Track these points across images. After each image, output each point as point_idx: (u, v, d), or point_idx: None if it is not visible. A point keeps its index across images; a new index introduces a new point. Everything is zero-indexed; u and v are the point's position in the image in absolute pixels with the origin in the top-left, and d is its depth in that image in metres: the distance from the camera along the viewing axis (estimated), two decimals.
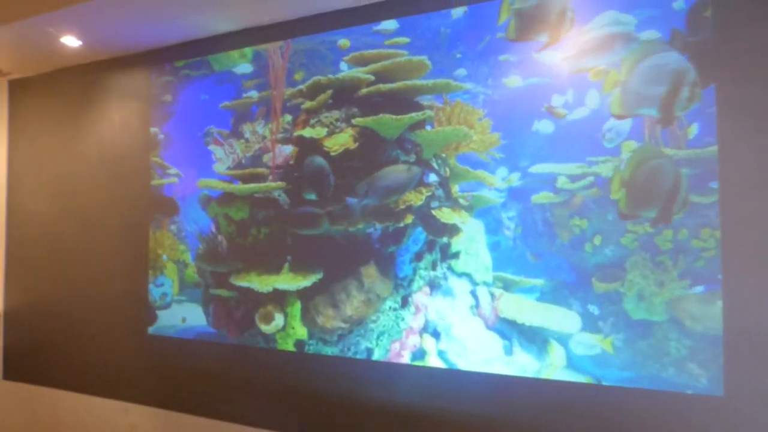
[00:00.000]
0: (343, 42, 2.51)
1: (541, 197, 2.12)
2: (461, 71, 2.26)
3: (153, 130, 3.05)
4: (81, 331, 3.26)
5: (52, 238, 3.41)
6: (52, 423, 3.38)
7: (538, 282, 2.13)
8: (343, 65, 2.52)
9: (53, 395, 3.38)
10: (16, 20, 2.64)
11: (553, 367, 2.09)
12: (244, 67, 2.78)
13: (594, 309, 2.02)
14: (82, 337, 3.26)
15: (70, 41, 2.93)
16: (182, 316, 2.93)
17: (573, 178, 2.06)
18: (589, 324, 2.03)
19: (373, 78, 2.43)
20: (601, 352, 2.00)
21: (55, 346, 3.36)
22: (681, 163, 1.90)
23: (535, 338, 2.13)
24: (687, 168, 1.89)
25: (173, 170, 2.98)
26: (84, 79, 3.30)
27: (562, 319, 2.08)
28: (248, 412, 2.72)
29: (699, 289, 1.88)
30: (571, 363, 2.05)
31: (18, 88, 3.59)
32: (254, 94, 2.74)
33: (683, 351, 1.89)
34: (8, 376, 3.57)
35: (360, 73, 2.46)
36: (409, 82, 2.35)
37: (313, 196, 2.55)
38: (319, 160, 2.52)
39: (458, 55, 2.28)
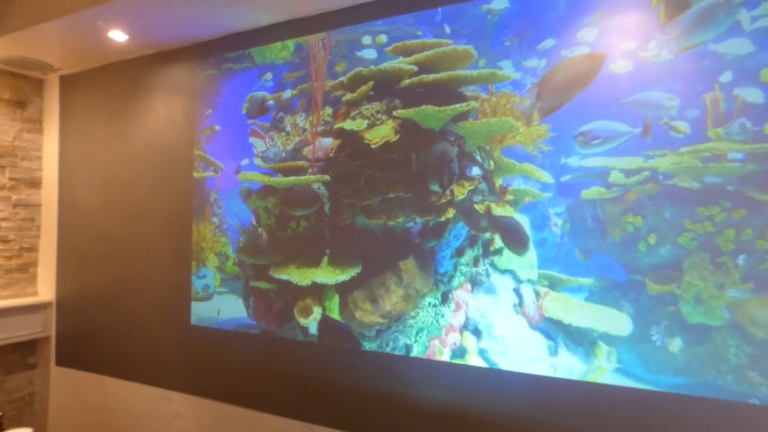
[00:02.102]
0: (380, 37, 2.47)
1: (592, 192, 2.03)
2: (508, 62, 2.19)
3: (197, 121, 3.09)
4: (128, 320, 3.35)
5: (101, 230, 3.50)
6: (100, 408, 3.49)
7: (587, 281, 2.04)
8: (384, 56, 2.47)
9: (101, 381, 3.48)
10: (67, 14, 2.71)
11: (600, 371, 2.00)
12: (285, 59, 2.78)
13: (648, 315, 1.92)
14: (129, 326, 3.35)
15: (118, 36, 3.00)
16: (218, 308, 2.97)
17: (627, 173, 1.95)
18: (641, 327, 1.93)
19: (415, 69, 2.38)
20: (654, 356, 1.90)
21: (104, 334, 3.47)
22: (746, 158, 1.77)
23: (582, 340, 2.04)
24: (752, 164, 1.77)
25: (216, 163, 3.02)
26: (131, 73, 3.37)
27: (611, 320, 1.98)
28: (285, 405, 2.74)
29: (763, 293, 1.75)
30: (621, 366, 1.96)
31: (69, 84, 3.70)
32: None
33: (743, 358, 1.77)
34: (60, 362, 3.70)
35: (402, 63, 2.41)
36: (453, 73, 2.28)
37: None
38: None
39: (508, 43, 2.20)
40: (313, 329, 2.64)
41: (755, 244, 1.76)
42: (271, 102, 2.82)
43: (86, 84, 3.60)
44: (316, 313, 2.63)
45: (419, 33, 2.38)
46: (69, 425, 3.64)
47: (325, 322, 2.59)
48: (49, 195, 3.78)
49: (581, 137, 2.02)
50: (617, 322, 1.97)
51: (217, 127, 2.99)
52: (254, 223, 2.88)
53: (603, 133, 1.98)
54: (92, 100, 3.56)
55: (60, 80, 3.74)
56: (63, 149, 3.71)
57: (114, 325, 3.42)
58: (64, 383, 3.68)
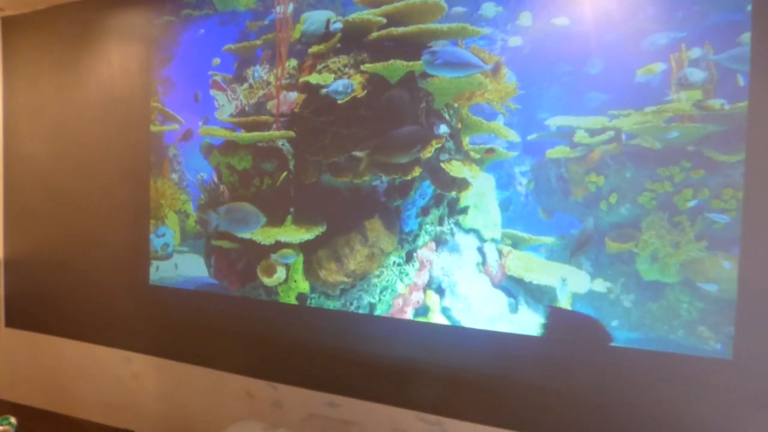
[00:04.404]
0: None
1: (557, 152, 2.03)
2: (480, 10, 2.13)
3: (154, 71, 2.92)
4: (83, 279, 3.24)
5: (51, 185, 3.33)
6: (55, 370, 3.39)
7: (549, 240, 2.07)
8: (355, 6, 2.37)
9: (56, 343, 3.38)
10: None
11: None
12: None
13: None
14: (84, 285, 3.23)
15: None
16: (176, 263, 2.91)
17: (592, 132, 1.96)
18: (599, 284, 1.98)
19: (384, 21, 2.30)
20: (610, 312, 1.96)
21: (58, 293, 3.34)
22: (707, 119, 1.80)
23: (542, 297, 2.08)
24: (713, 125, 1.80)
25: (174, 116, 2.88)
26: (81, 17, 3.15)
27: (571, 278, 2.02)
28: (249, 364, 2.72)
29: (715, 251, 1.81)
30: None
31: (11, 26, 3.44)
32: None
33: (694, 313, 1.84)
34: (10, 323, 3.56)
35: (371, 15, 2.32)
36: (423, 26, 2.21)
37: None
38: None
39: None
40: (534, 330, 2.08)
41: (711, 203, 1.81)
42: (338, 24, 2.37)
43: (31, 27, 3.35)
44: (280, 272, 2.58)
45: None
46: (21, 388, 3.53)
47: (557, 314, 2.04)
48: None
49: (428, 55, 2.13)
50: (577, 279, 2.01)
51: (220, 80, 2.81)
52: (216, 180, 2.78)
53: (447, 57, 2.07)
54: (39, 45, 3.32)
55: (2, 22, 3.47)
56: (7, 97, 3.48)
57: (68, 285, 3.30)
58: (14, 345, 3.55)
